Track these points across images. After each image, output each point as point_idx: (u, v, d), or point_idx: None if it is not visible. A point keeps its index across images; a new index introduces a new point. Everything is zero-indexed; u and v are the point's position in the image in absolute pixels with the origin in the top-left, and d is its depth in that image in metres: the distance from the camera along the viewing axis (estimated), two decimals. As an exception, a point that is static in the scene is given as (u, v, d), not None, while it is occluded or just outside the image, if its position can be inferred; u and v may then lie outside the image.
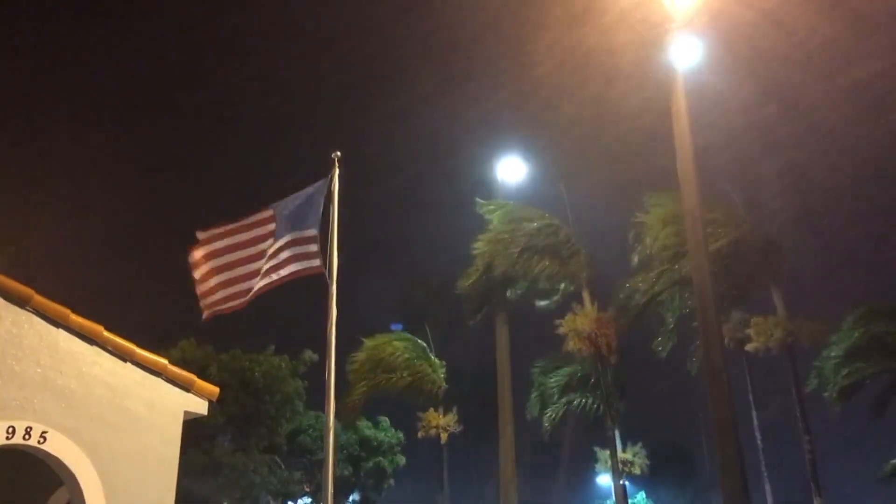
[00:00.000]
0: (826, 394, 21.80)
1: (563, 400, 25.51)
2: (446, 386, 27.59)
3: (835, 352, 21.44)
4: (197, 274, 8.69)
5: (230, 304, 8.71)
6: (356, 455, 30.36)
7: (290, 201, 9.03)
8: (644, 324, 24.20)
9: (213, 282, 8.71)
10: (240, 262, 8.80)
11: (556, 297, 25.28)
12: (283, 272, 8.83)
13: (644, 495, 34.09)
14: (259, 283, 8.76)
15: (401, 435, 32.13)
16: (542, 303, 25.79)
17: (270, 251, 8.77)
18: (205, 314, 8.74)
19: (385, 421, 31.90)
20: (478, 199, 26.07)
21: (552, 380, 25.89)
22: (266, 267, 8.75)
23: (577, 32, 18.91)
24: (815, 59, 22.19)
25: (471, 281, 25.63)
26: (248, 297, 8.73)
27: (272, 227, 8.89)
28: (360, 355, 26.98)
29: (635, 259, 23.77)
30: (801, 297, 24.37)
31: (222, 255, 8.78)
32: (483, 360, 30.99)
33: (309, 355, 27.98)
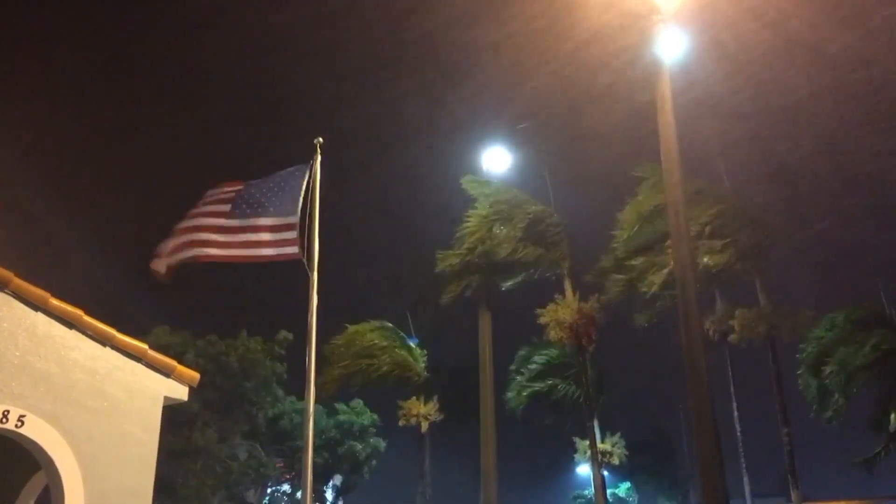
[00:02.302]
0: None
1: (540, 384, 25.57)
2: (427, 374, 27.61)
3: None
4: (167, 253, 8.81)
5: (177, 255, 8.78)
6: (331, 438, 30.41)
7: (264, 182, 9.02)
8: (625, 313, 24.34)
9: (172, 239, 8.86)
10: (196, 218, 8.91)
11: (518, 279, 25.17)
12: (260, 252, 8.79)
13: (629, 486, 34.35)
14: (221, 253, 8.79)
15: (375, 416, 32.19)
16: (507, 283, 25.64)
17: (235, 224, 8.80)
18: (159, 269, 8.77)
19: (359, 404, 31.95)
20: (468, 176, 25.98)
21: (532, 365, 26.00)
22: (232, 239, 8.77)
23: (563, 24, 18.88)
24: (802, 53, 22.30)
25: (455, 261, 25.38)
26: (200, 256, 8.79)
27: (232, 194, 8.96)
28: (340, 340, 26.87)
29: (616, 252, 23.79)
30: (784, 291, 24.58)
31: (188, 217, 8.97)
32: (466, 349, 31.05)
33: (284, 335, 27.98)
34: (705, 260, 22.54)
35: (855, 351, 21.06)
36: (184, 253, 8.75)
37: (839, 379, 21.22)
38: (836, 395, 21.42)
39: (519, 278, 25.51)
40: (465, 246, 25.15)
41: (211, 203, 8.99)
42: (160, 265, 8.73)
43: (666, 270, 22.36)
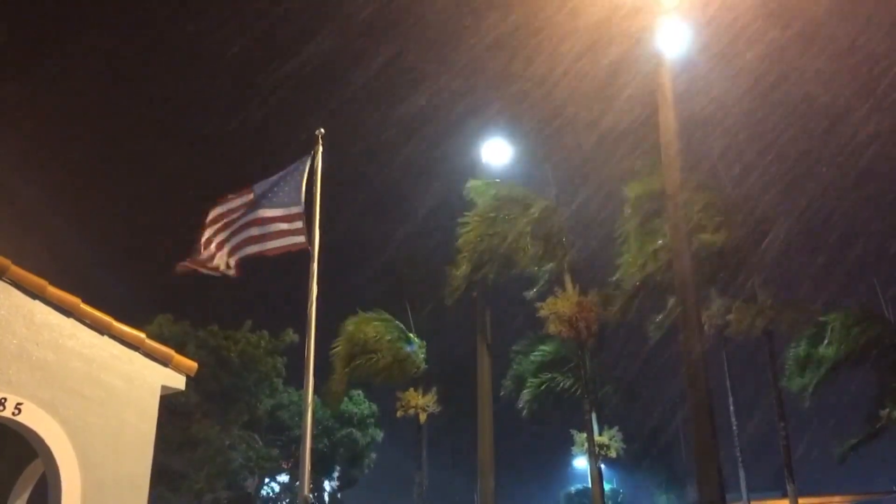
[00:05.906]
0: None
1: (540, 379, 25.55)
2: (426, 366, 27.58)
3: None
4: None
5: (203, 267, 8.87)
6: (329, 426, 30.42)
7: (272, 179, 9.07)
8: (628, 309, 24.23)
9: (203, 245, 8.96)
10: (219, 231, 8.93)
11: (541, 283, 25.13)
12: (269, 245, 8.85)
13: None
14: (238, 254, 8.86)
15: (374, 407, 32.20)
16: (529, 293, 25.55)
17: (245, 221, 8.86)
18: (180, 266, 8.88)
19: (359, 394, 31.95)
20: (471, 181, 25.89)
21: (530, 358, 25.97)
22: (244, 237, 8.83)
23: (564, 17, 18.80)
24: (807, 47, 22.24)
25: (463, 269, 25.15)
26: (225, 268, 8.85)
27: (251, 196, 9.07)
28: (342, 339, 26.71)
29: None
30: (783, 285, 24.57)
31: (212, 224, 9.02)
32: (464, 341, 31.02)
33: (290, 335, 27.95)
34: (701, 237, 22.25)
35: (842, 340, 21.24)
36: (232, 256, 8.88)
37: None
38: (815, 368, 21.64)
39: (521, 273, 25.44)
40: (468, 249, 25.00)
41: (231, 206, 9.08)
42: (184, 267, 8.87)
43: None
